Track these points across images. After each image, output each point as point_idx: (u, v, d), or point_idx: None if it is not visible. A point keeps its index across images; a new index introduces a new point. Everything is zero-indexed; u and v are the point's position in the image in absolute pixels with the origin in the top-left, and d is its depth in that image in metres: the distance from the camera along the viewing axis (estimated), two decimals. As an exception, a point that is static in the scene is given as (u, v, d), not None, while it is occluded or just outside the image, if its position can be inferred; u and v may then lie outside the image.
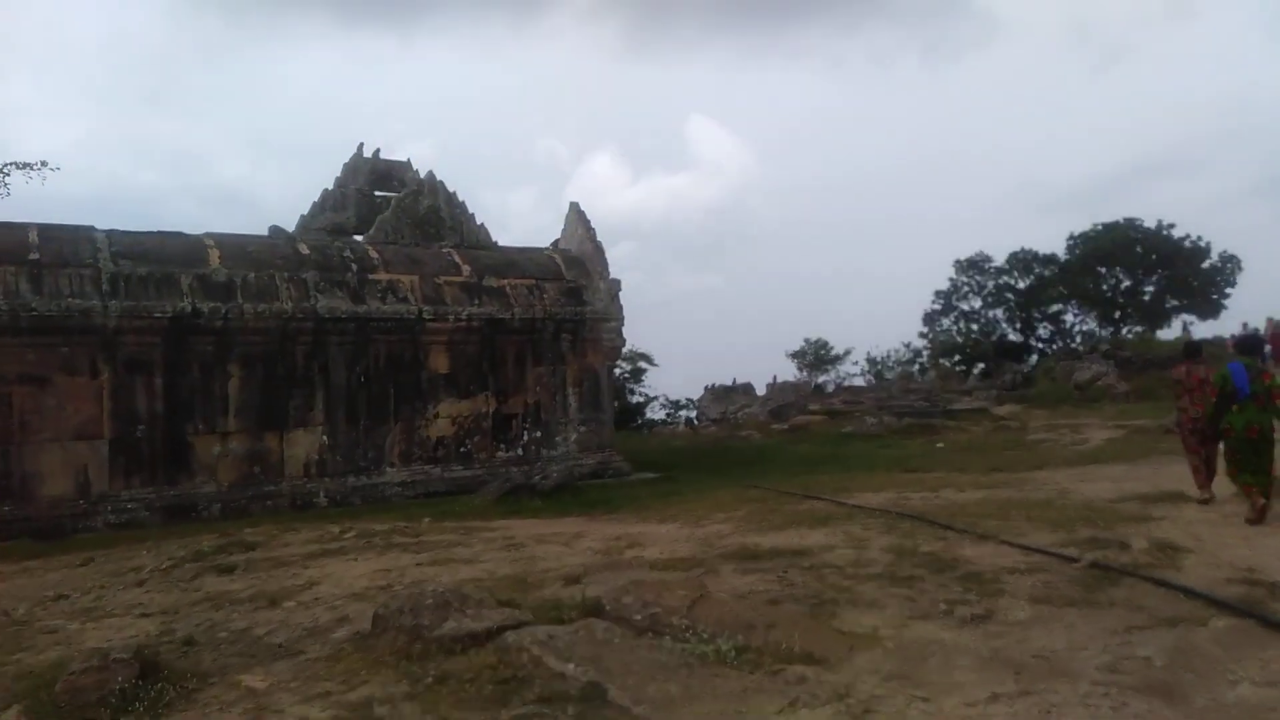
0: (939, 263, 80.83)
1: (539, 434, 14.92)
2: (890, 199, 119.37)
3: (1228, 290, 40.25)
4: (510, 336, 14.74)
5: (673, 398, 46.79)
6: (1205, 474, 9.78)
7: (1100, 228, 41.82)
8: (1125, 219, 41.55)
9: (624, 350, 44.77)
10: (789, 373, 47.81)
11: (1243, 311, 49.98)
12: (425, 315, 13.83)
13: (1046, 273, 42.44)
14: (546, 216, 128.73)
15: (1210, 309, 40.38)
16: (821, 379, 47.98)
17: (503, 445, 14.60)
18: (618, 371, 43.30)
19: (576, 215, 16.50)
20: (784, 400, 34.85)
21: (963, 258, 44.90)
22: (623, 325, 16.03)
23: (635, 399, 43.40)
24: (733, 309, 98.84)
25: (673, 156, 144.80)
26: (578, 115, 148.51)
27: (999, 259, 44.18)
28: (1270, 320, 34.49)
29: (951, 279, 45.19)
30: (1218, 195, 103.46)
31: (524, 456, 14.73)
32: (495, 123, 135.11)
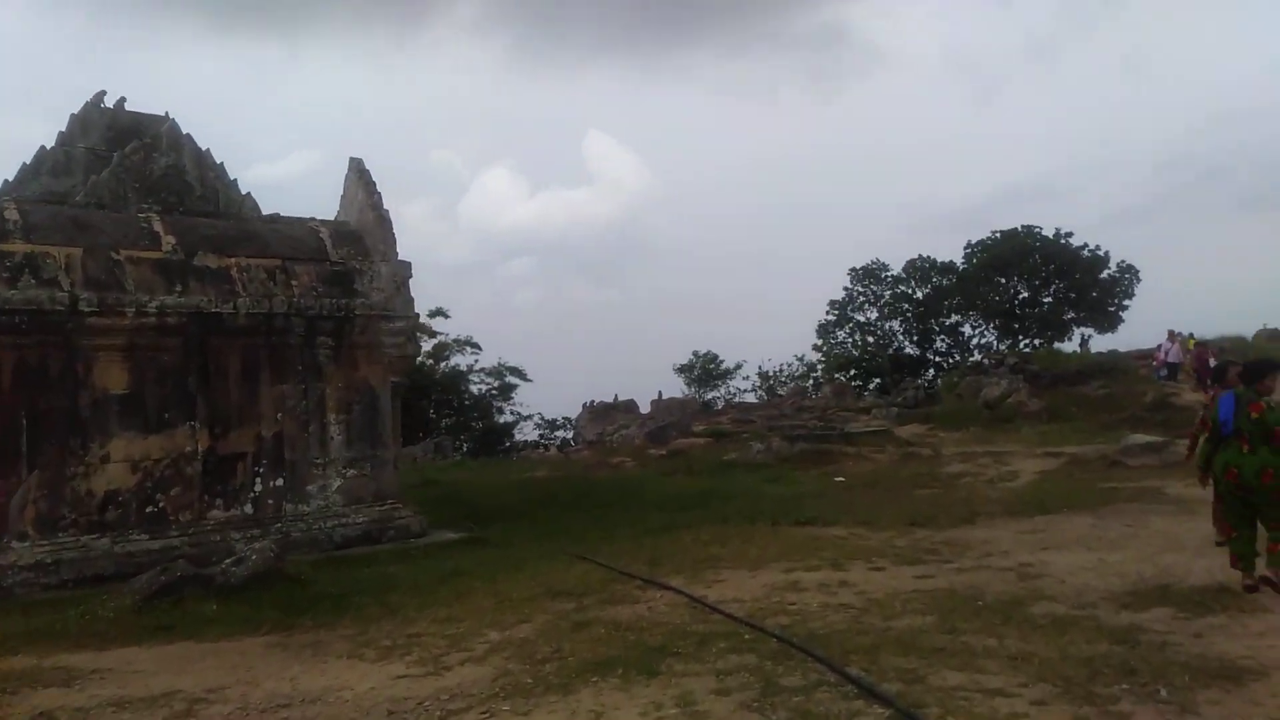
0: (831, 280, 79.15)
1: (280, 482, 10.30)
2: (783, 217, 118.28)
3: (1125, 302, 38.61)
4: (235, 340, 10.10)
5: (550, 416, 42.45)
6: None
7: (998, 235, 39.74)
8: (1024, 226, 39.62)
9: (499, 365, 40.46)
10: (677, 389, 44.12)
11: (1140, 325, 48.98)
12: (85, 306, 9.09)
13: (944, 282, 40.01)
14: (441, 225, 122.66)
15: (1108, 321, 38.69)
16: (710, 395, 44.42)
17: (220, 501, 9.93)
18: (482, 388, 38.72)
19: (357, 176, 11.97)
20: (666, 420, 30.89)
21: (858, 266, 42.16)
22: (415, 323, 11.58)
23: (505, 419, 38.80)
24: (629, 324, 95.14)
25: (571, 171, 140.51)
26: (472, 128, 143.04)
27: (897, 268, 41.67)
28: (1174, 335, 32.72)
29: (847, 288, 42.45)
30: (1083, 219, 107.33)
31: (256, 516, 10.10)
32: (387, 134, 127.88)
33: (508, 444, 37.39)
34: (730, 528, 11.10)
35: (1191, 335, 30.21)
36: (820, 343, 43.19)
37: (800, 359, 44.18)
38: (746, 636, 5.73)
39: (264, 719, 4.87)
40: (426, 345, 37.11)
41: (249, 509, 10.14)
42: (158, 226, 10.25)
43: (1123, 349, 36.00)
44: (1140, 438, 14.11)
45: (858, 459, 18.85)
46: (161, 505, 9.60)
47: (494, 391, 37.77)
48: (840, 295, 42.54)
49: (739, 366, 44.98)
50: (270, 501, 10.28)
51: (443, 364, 36.41)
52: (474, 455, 35.09)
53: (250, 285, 10.24)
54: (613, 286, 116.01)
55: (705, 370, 44.02)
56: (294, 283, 10.53)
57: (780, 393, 42.30)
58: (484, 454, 34.98)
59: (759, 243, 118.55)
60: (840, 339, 42.93)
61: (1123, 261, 38.40)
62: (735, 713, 4.36)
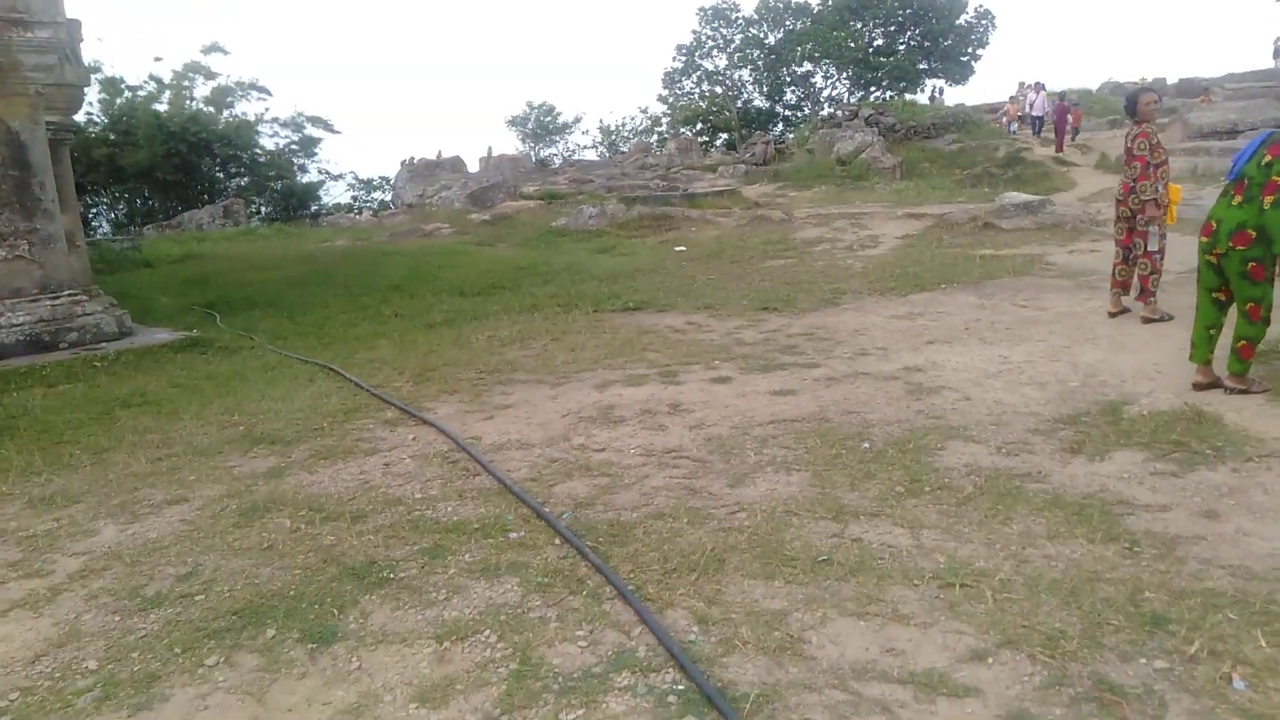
0: (682, 25, 73.29)
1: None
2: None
3: (979, 51, 36.95)
4: None
5: (365, 176, 37.88)
6: (1116, 279, 7.16)
7: (857, -26, 36.44)
8: (883, -36, 36.36)
9: (296, 116, 34.76)
10: (511, 146, 40.22)
11: (989, 78, 48.01)
12: None
13: (798, 25, 36.89)
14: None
15: (961, 72, 37.11)
16: (547, 153, 40.85)
17: None
18: (280, 142, 33.40)
19: None
20: (493, 180, 27.59)
21: (708, 6, 38.15)
22: (69, 34, 7.89)
23: (310, 179, 34.10)
24: (483, 83, 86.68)
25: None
26: None
27: (749, 9, 38.00)
28: (1026, 87, 31.46)
29: (695, 31, 38.60)
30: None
31: None
32: None
33: (314, 208, 33.09)
34: (541, 318, 8.78)
35: (1039, 84, 28.98)
36: (666, 93, 39.84)
37: (644, 112, 40.95)
38: (513, 534, 3.50)
39: None
40: (203, 89, 31.32)
41: None
42: None
43: (971, 102, 34.83)
44: (1016, 196, 12.49)
45: (702, 224, 16.70)
46: None
47: (293, 146, 32.80)
48: (688, 40, 38.76)
49: (578, 120, 41.33)
50: None
51: (225, 113, 30.89)
52: (273, 221, 30.91)
53: None
54: (460, 43, 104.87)
55: (540, 124, 40.07)
56: None
57: (623, 150, 39.30)
58: (285, 220, 30.82)
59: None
60: (687, 90, 39.65)
61: (980, 6, 36.32)
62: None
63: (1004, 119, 30.81)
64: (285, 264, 14.78)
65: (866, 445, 4.34)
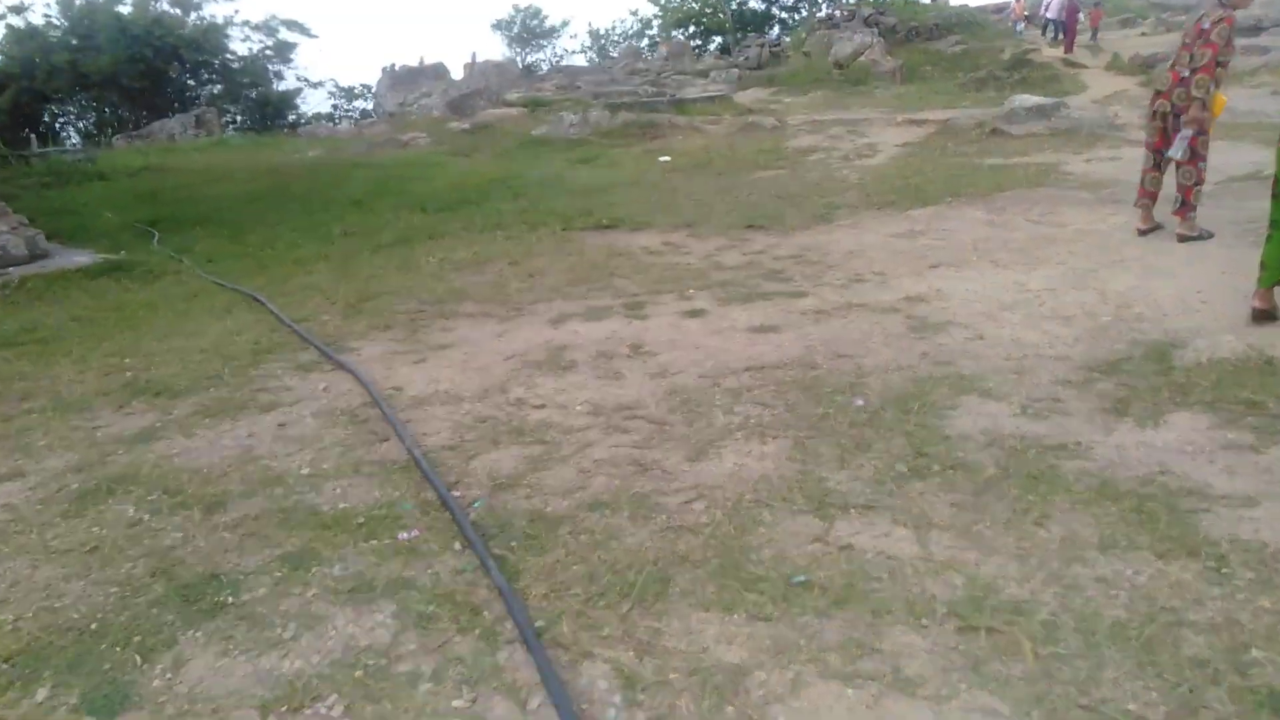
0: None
1: None
2: None
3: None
4: None
5: (346, 85, 36.18)
6: (1146, 189, 6.17)
7: None
8: None
9: (269, 19, 32.76)
10: (497, 51, 38.30)
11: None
12: None
13: (798, -82, 34.68)
14: None
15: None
16: (534, 58, 39.00)
17: None
18: (253, 47, 31.57)
19: None
20: (475, 87, 26.15)
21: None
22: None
23: (287, 86, 32.46)
24: None
25: None
26: None
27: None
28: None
29: (688, -74, 36.25)
30: None
31: None
32: None
33: (292, 118, 31.58)
34: (503, 237, 7.89)
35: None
36: (658, -6, 37.74)
37: (635, 14, 38.93)
38: (405, 533, 2.74)
39: None
40: (167, -8, 29.43)
41: None
42: None
43: (976, 1, 33.08)
44: (1027, 98, 11.40)
45: (690, 132, 15.58)
46: None
47: (268, 52, 31.07)
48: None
49: (565, 24, 39.43)
50: None
51: (192, 15, 29.11)
52: (248, 131, 29.52)
53: None
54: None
55: (527, 28, 38.10)
56: None
57: (613, 55, 37.46)
58: (261, 130, 29.43)
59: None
60: (677, -10, 37.55)
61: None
62: None
63: (1010, 18, 29.17)
64: (244, 177, 13.74)
65: (860, 402, 3.55)
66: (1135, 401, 3.37)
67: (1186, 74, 5.67)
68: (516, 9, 38.76)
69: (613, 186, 10.73)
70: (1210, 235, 5.87)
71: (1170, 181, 6.08)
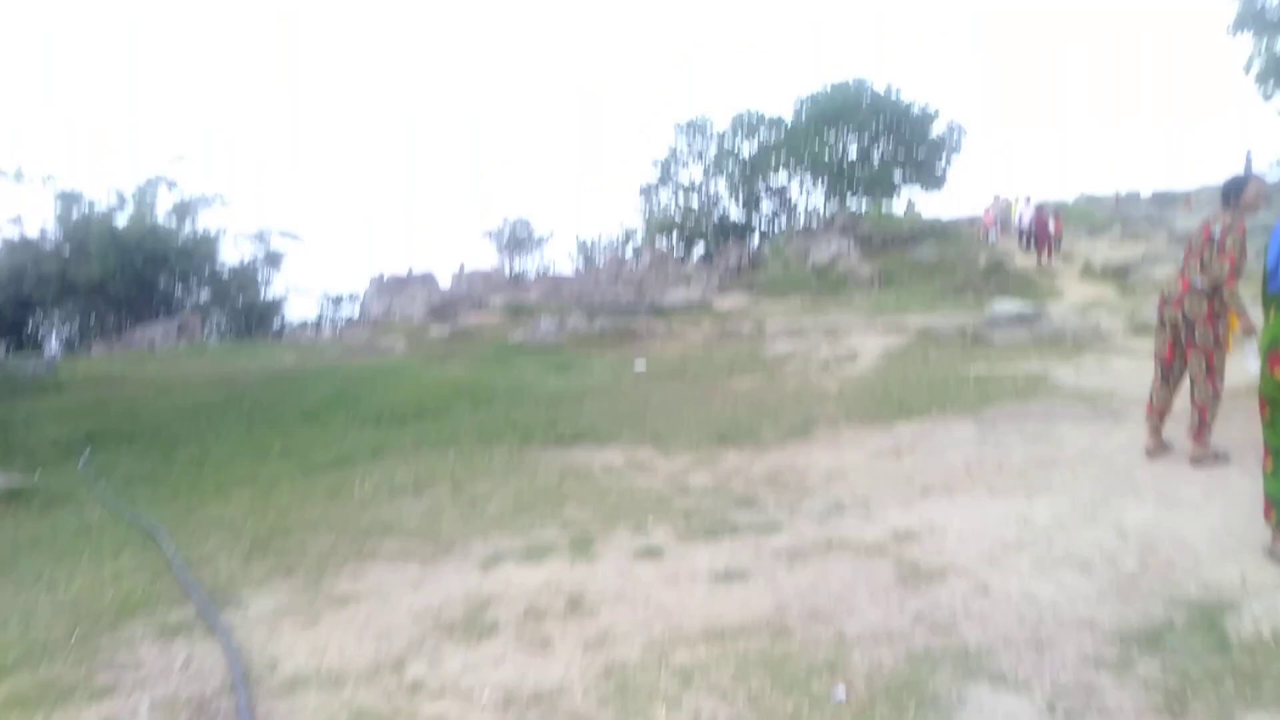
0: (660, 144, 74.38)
1: None
2: (614, 82, 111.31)
3: (952, 161, 36.96)
4: None
5: (335, 292, 36.84)
6: (1155, 405, 5.63)
7: (830, 88, 36.69)
8: (855, 80, 36.67)
9: (262, 228, 33.78)
10: (488, 261, 39.51)
11: (964, 188, 48.32)
12: None
13: (772, 137, 36.88)
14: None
15: (934, 182, 37.01)
16: (522, 266, 40.16)
17: None
18: (244, 256, 32.29)
19: None
20: (458, 294, 26.54)
21: (683, 121, 38.24)
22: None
23: (271, 293, 32.94)
24: (434, 185, 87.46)
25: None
26: None
27: (723, 122, 38.06)
28: (1008, 201, 31.03)
29: (672, 146, 38.50)
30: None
31: None
32: None
33: (278, 324, 31.81)
34: (454, 454, 7.26)
35: (1026, 197, 28.51)
36: (642, 207, 39.48)
37: (620, 225, 40.56)
38: None
39: None
40: (167, 202, 30.39)
41: None
42: None
43: (946, 213, 34.48)
44: (1009, 305, 11.24)
45: (667, 338, 15.41)
46: None
47: (259, 260, 31.75)
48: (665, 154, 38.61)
49: (554, 234, 40.81)
50: None
51: (188, 225, 29.88)
52: (232, 337, 29.58)
53: None
54: (442, 157, 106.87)
55: (515, 238, 39.50)
56: None
57: (599, 263, 38.65)
58: (245, 335, 29.52)
59: (589, 110, 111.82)
60: (663, 203, 39.30)
61: (952, 120, 36.45)
62: None
63: (983, 228, 30.28)
64: (201, 387, 13.26)
65: (841, 694, 2.78)
66: (1194, 697, 2.61)
67: (1199, 282, 5.27)
68: (507, 220, 40.39)
69: (583, 395, 10.26)
70: (1228, 457, 5.29)
71: (1180, 398, 5.58)
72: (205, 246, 29.27)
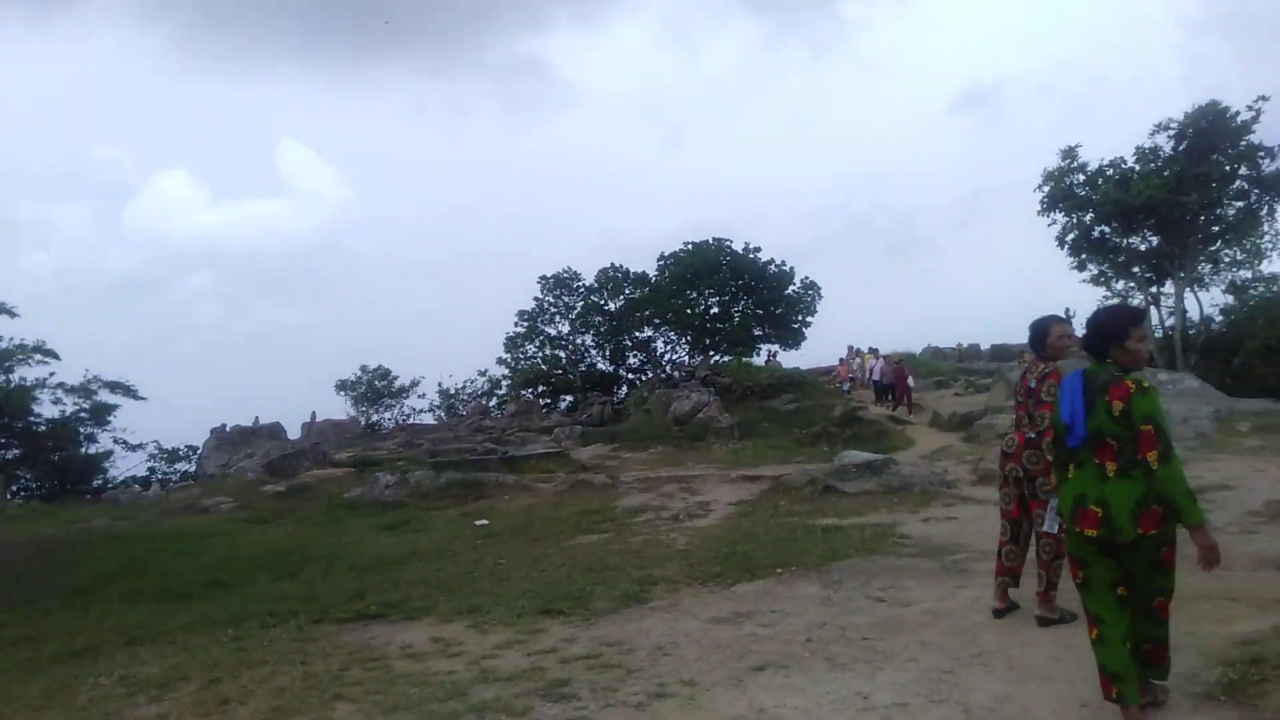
0: (524, 294, 75.12)
1: None
2: (479, 236, 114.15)
3: (809, 319, 38.38)
4: None
5: (171, 446, 34.14)
6: (1005, 564, 5.20)
7: (689, 246, 37.98)
8: (714, 239, 38.16)
9: (88, 380, 31.21)
10: (342, 410, 37.71)
11: (816, 343, 50.35)
12: None
13: (637, 294, 37.50)
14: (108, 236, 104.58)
15: (793, 338, 38.20)
16: (381, 416, 38.55)
17: None
18: (66, 410, 29.57)
19: None
20: (301, 447, 24.85)
21: (549, 275, 38.55)
22: None
23: (101, 448, 30.18)
24: (321, 345, 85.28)
25: (262, 181, 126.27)
26: (142, 125, 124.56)
27: (590, 277, 38.57)
28: (856, 352, 32.34)
29: (537, 298, 38.56)
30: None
31: None
32: (34, 124, 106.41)
33: (98, 482, 28.98)
34: (228, 639, 6.12)
35: (874, 349, 29.73)
36: (508, 357, 38.94)
37: (484, 374, 39.79)
38: None
39: None
40: (-18, 356, 27.74)
41: None
42: None
43: (805, 365, 35.46)
44: (856, 454, 11.05)
45: (517, 491, 14.52)
46: None
47: (83, 414, 29.13)
48: (530, 306, 38.57)
49: (415, 384, 39.54)
50: None
51: (6, 376, 27.24)
52: (46, 498, 26.66)
53: None
54: (307, 307, 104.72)
55: (372, 388, 38.03)
56: None
57: (462, 412, 37.56)
58: (61, 495, 26.66)
59: (453, 261, 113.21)
60: (530, 353, 38.92)
61: (806, 278, 38.13)
62: None
63: (836, 380, 31.23)
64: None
65: None
66: None
67: (1032, 435, 5.01)
68: (365, 369, 38.94)
69: (409, 558, 9.25)
70: (1073, 617, 4.89)
71: (1030, 553, 5.23)
72: (17, 401, 26.60)
